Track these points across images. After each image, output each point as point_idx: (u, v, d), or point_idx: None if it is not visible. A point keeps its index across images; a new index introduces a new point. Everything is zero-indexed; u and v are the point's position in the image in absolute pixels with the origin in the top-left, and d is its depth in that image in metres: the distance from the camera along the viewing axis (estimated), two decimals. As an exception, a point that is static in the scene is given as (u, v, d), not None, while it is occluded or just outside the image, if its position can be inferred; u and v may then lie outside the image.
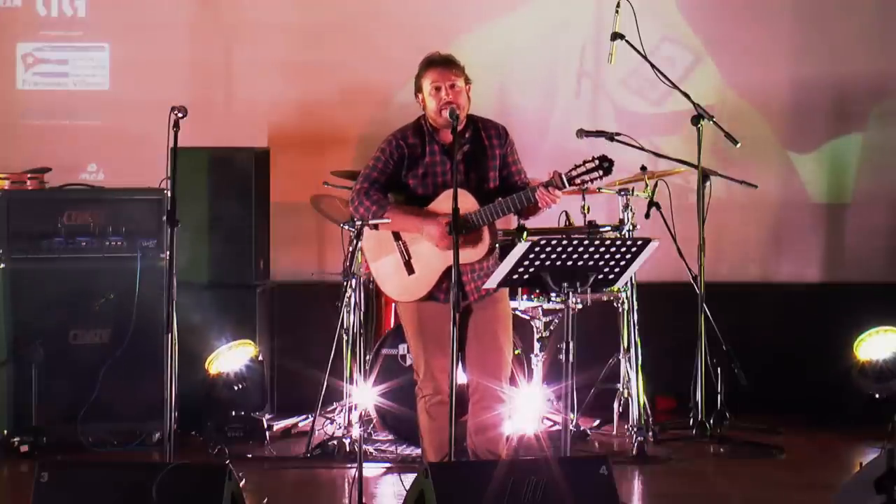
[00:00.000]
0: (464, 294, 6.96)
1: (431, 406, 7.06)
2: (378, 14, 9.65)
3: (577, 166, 6.87)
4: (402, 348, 8.24)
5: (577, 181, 6.87)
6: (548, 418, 8.51)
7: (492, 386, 7.05)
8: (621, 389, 8.67)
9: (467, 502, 6.09)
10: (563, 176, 6.86)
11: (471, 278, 7.02)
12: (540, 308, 8.43)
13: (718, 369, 8.61)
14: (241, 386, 8.60)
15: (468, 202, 6.89)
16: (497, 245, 7.04)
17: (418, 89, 7.08)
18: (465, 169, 6.95)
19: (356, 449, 7.01)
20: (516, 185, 7.06)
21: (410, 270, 7.01)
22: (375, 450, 8.30)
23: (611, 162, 6.86)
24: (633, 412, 8.46)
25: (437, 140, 7.06)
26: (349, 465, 7.89)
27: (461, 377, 7.16)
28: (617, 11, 8.63)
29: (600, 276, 6.69)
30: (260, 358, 8.69)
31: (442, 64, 7.04)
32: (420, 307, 7.04)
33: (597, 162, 6.85)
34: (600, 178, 6.87)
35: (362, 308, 8.06)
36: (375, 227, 6.92)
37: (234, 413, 8.57)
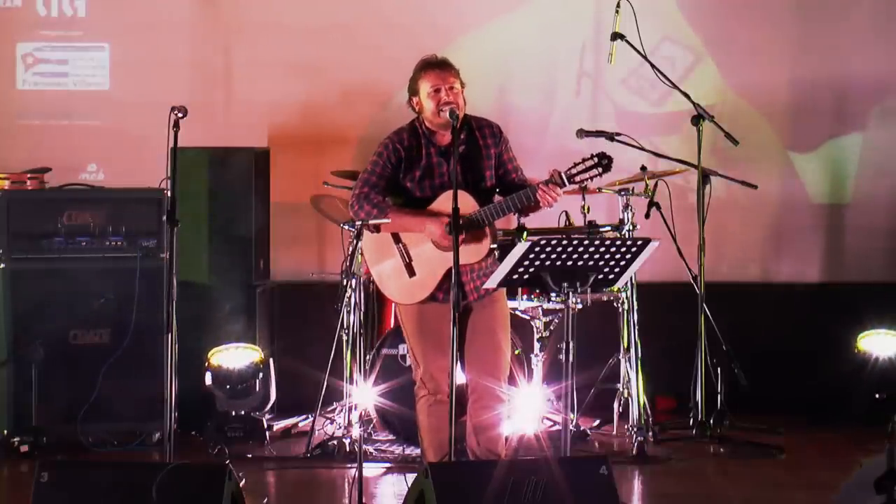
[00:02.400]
0: (463, 294, 6.97)
1: (431, 406, 7.06)
2: (378, 14, 9.65)
3: (576, 164, 6.88)
4: (402, 348, 8.24)
5: (577, 179, 6.88)
6: (548, 418, 8.51)
7: (491, 386, 7.05)
8: (621, 389, 8.67)
9: (467, 502, 6.10)
10: (563, 174, 6.87)
11: (470, 278, 7.02)
12: (540, 308, 8.43)
13: (718, 369, 8.61)
14: (242, 386, 8.60)
15: (467, 202, 6.89)
16: (497, 245, 7.04)
17: (414, 92, 7.06)
18: (462, 169, 6.94)
19: (356, 449, 7.02)
20: (514, 182, 7.07)
21: (411, 273, 7.02)
22: (375, 450, 8.30)
23: (609, 159, 6.87)
24: (633, 412, 8.46)
25: (434, 142, 7.06)
26: (349, 465, 7.89)
27: (460, 377, 7.17)
28: (617, 11, 8.64)
29: (600, 276, 6.69)
30: (263, 360, 8.67)
31: (439, 66, 7.04)
32: (420, 307, 7.04)
33: (596, 159, 6.87)
34: (599, 175, 6.88)
35: (362, 308, 8.05)
36: (377, 228, 6.92)
37: (234, 413, 8.58)
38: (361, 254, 7.37)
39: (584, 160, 6.88)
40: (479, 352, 7.07)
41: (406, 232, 7.01)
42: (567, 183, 6.88)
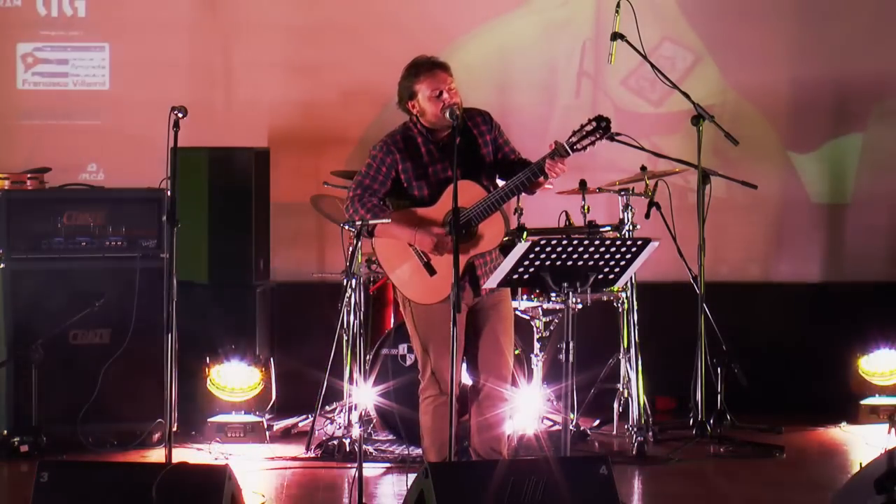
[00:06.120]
0: (477, 289, 6.99)
1: (437, 407, 7.05)
2: (378, 14, 9.65)
3: (575, 132, 6.88)
4: (402, 348, 8.24)
5: (579, 146, 6.86)
6: (548, 418, 8.51)
7: (497, 385, 7.06)
8: (621, 389, 8.66)
9: (467, 502, 6.10)
10: (565, 144, 6.86)
11: (483, 272, 7.03)
12: (540, 308, 8.43)
13: (718, 369, 8.61)
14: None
15: (475, 190, 6.92)
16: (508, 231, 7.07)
17: (410, 96, 7.04)
18: (463, 161, 6.92)
19: (356, 449, 7.02)
20: (515, 163, 7.08)
21: (432, 271, 6.98)
22: (375, 450, 8.30)
23: (608, 120, 6.86)
24: (633, 412, 8.45)
25: (432, 139, 7.07)
26: (349, 465, 7.89)
27: (465, 377, 7.18)
28: (617, 11, 8.63)
29: (600, 276, 6.69)
30: (263, 376, 8.69)
31: (436, 67, 7.03)
32: (431, 308, 7.02)
33: (594, 123, 6.87)
34: (600, 138, 6.86)
35: (362, 308, 8.05)
36: (370, 233, 6.94)
37: (234, 413, 8.60)
38: (362, 254, 7.37)
39: (582, 126, 6.87)
40: (485, 353, 7.09)
41: (398, 240, 7.01)
42: (570, 151, 6.85)
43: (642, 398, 8.49)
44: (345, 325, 8.31)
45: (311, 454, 8.27)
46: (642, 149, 8.42)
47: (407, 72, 7.07)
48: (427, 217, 7.02)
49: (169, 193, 6.92)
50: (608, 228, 8.43)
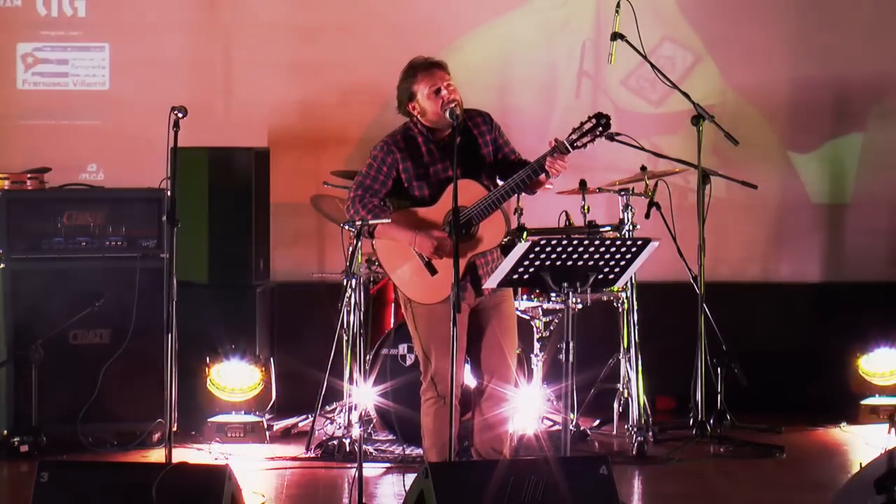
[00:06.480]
0: (479, 289, 6.99)
1: (439, 409, 7.04)
2: (378, 14, 9.65)
3: (574, 129, 6.88)
4: (402, 348, 8.24)
5: (579, 144, 6.86)
6: (548, 418, 8.51)
7: (499, 386, 7.06)
8: (621, 389, 8.67)
9: (467, 502, 6.10)
10: (565, 141, 6.86)
11: (486, 271, 7.02)
12: (540, 308, 8.43)
13: (718, 369, 8.61)
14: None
15: (476, 189, 6.92)
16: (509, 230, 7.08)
17: (410, 98, 7.05)
18: (464, 161, 6.92)
19: (356, 449, 7.02)
20: (515, 163, 7.08)
21: (433, 271, 6.98)
22: (375, 450, 8.30)
23: (607, 117, 6.86)
24: (633, 412, 8.46)
25: (433, 138, 7.08)
26: (349, 465, 7.89)
27: (469, 378, 7.18)
28: (617, 11, 8.63)
29: (600, 276, 6.69)
30: (263, 377, 8.69)
31: (433, 66, 7.04)
32: (434, 308, 7.02)
33: (594, 121, 6.87)
34: (600, 135, 6.87)
35: (362, 308, 8.05)
36: (371, 234, 6.94)
37: (234, 413, 8.60)
38: (362, 254, 7.36)
39: (582, 124, 6.88)
40: (489, 352, 7.09)
41: (399, 242, 7.01)
42: (570, 149, 6.85)
43: (642, 398, 8.49)
44: (345, 325, 8.31)
45: (311, 454, 8.27)
46: (642, 149, 8.42)
47: (404, 74, 7.09)
48: (427, 217, 7.02)
49: (169, 193, 6.92)
50: (608, 228, 8.43)
